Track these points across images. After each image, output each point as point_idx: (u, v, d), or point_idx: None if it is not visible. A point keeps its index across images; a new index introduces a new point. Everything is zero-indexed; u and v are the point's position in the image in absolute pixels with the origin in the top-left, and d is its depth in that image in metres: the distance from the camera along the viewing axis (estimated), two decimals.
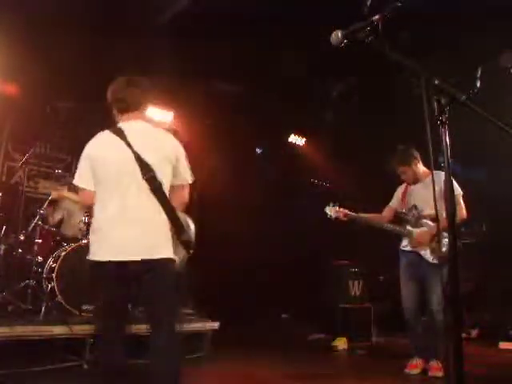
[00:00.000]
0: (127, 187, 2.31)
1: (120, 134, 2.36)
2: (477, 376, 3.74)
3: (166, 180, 2.37)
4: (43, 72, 5.07)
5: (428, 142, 1.52)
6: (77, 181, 2.45)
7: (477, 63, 1.65)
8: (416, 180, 4.20)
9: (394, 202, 4.37)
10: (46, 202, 4.67)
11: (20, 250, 4.62)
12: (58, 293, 4.08)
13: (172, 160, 2.42)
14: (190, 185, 2.54)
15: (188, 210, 2.56)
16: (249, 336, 5.54)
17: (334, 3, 4.23)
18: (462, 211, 3.92)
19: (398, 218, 4.28)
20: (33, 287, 4.36)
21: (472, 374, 3.62)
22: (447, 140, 1.48)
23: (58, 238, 4.78)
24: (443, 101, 1.48)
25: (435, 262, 3.92)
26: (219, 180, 6.31)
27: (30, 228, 4.71)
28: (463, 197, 4.01)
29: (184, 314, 4.85)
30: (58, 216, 4.96)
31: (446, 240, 3.77)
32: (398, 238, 4.25)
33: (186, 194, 2.52)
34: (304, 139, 7.81)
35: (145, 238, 2.29)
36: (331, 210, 4.35)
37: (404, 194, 4.29)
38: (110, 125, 2.52)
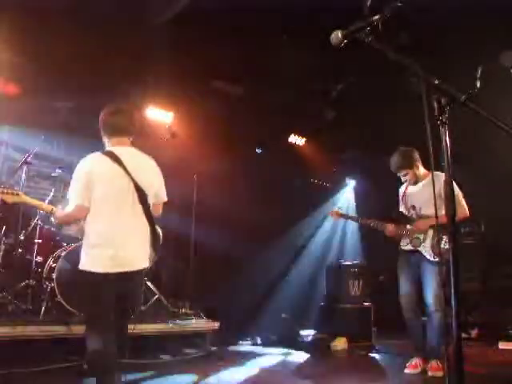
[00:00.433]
0: (124, 208, 2.68)
1: (117, 159, 2.69)
2: (477, 376, 3.74)
3: (150, 202, 2.82)
4: (43, 72, 5.07)
5: (428, 142, 1.52)
6: (73, 197, 2.66)
7: (477, 63, 1.65)
8: (417, 181, 4.20)
9: (400, 202, 4.37)
10: (46, 202, 4.67)
11: (20, 250, 4.62)
12: (57, 293, 4.08)
13: (155, 185, 2.87)
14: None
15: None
16: (249, 336, 5.54)
17: (334, 3, 4.22)
18: (463, 210, 3.91)
19: (398, 219, 4.28)
20: (33, 287, 4.36)
21: (472, 373, 3.64)
22: (447, 140, 1.48)
23: (57, 238, 4.78)
24: (443, 101, 1.48)
25: (435, 259, 3.92)
26: (219, 180, 6.30)
27: (30, 228, 4.71)
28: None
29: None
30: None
31: (445, 237, 3.81)
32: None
33: (160, 209, 2.99)
34: (304, 139, 7.81)
35: (137, 252, 2.73)
36: (332, 213, 4.65)
37: (404, 194, 4.30)
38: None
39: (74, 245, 4.34)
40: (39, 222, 4.64)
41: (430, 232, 4.02)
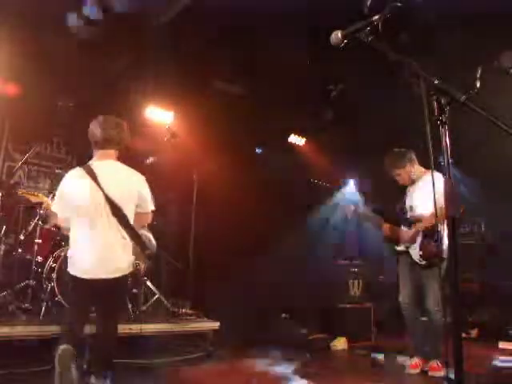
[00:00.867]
0: (99, 220, 2.86)
1: (92, 174, 2.86)
2: (477, 376, 3.74)
3: (130, 213, 2.96)
4: (43, 72, 5.07)
5: (428, 142, 1.52)
6: (55, 208, 3.00)
7: (477, 63, 1.65)
8: (413, 181, 4.22)
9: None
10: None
11: (20, 250, 4.62)
12: (57, 293, 4.08)
13: (135, 197, 2.99)
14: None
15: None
16: (249, 336, 5.53)
17: (334, 3, 4.22)
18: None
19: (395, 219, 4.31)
20: (33, 287, 4.36)
21: (472, 373, 3.63)
22: (447, 140, 1.49)
23: (57, 238, 4.78)
24: (443, 101, 1.48)
25: (422, 262, 3.94)
26: (219, 180, 6.30)
27: (29, 228, 4.71)
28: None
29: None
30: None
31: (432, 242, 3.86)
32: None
33: (148, 218, 3.18)
34: (304, 139, 7.81)
35: (113, 261, 2.91)
36: (347, 208, 4.64)
37: (406, 195, 4.32)
38: None
39: None
40: (39, 222, 4.63)
41: (420, 235, 4.03)
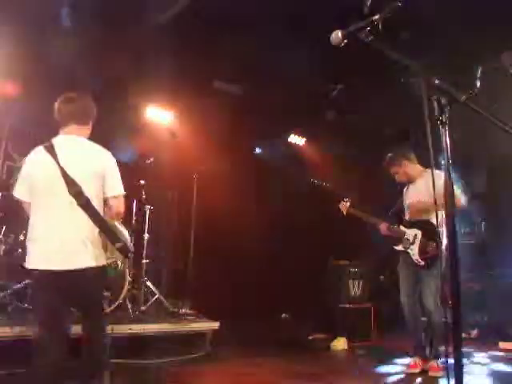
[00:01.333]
0: (57, 201, 2.52)
1: (50, 150, 2.57)
2: (476, 376, 3.74)
3: (94, 194, 2.58)
4: (43, 72, 5.06)
5: (428, 141, 1.52)
6: (16, 193, 2.69)
7: (477, 63, 1.65)
8: (411, 180, 4.23)
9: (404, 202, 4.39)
10: None
11: (20, 250, 4.62)
12: None
13: (100, 176, 2.60)
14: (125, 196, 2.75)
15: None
16: (249, 336, 5.53)
17: (334, 3, 4.22)
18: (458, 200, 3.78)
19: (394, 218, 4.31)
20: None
21: (471, 373, 3.63)
22: (447, 140, 1.49)
23: None
24: (443, 101, 1.49)
25: (421, 263, 3.95)
26: (219, 180, 6.30)
27: None
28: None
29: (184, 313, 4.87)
30: None
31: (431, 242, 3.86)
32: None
33: (119, 205, 2.70)
34: (304, 139, 7.81)
35: (73, 248, 2.51)
36: (343, 206, 4.54)
37: (404, 193, 4.33)
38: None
39: None
40: None
41: (419, 235, 4.03)
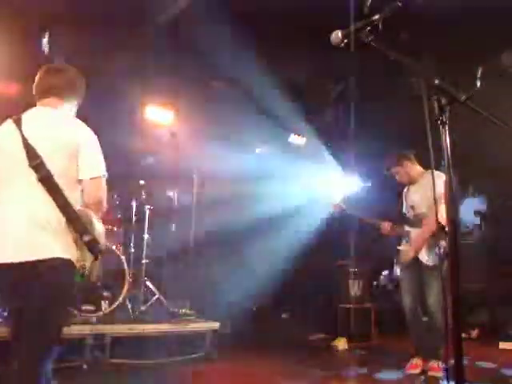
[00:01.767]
0: (16, 180, 2.07)
1: (17, 121, 2.14)
2: (477, 376, 3.74)
3: (61, 172, 2.06)
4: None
5: (428, 142, 1.52)
6: None
7: (477, 63, 1.65)
8: (411, 180, 4.23)
9: (403, 203, 4.38)
10: None
11: None
12: None
13: (72, 151, 2.08)
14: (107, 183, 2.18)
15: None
16: (249, 336, 5.54)
17: (334, 3, 4.22)
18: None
19: (397, 218, 4.30)
20: None
21: (472, 373, 3.63)
22: (447, 140, 1.48)
23: None
24: (443, 101, 1.48)
25: (430, 263, 3.94)
26: (219, 180, 6.30)
27: None
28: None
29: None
30: None
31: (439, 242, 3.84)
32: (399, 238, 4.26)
33: (97, 190, 2.12)
34: (304, 139, 7.81)
35: (29, 236, 1.96)
36: (335, 208, 4.54)
37: (405, 194, 4.32)
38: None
39: None
40: None
41: None
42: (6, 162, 2.11)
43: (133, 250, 5.01)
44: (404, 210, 4.30)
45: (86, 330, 3.79)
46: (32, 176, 2.02)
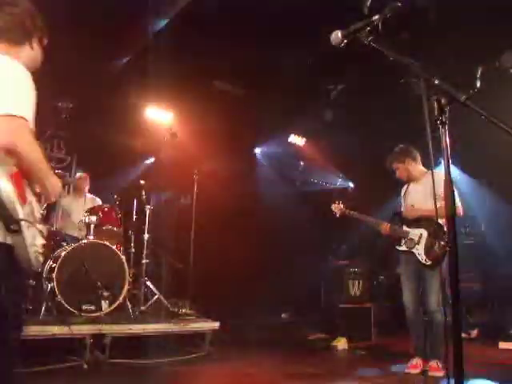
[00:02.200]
0: None
1: None
2: (477, 376, 3.73)
3: None
4: (43, 72, 5.06)
5: (428, 142, 1.52)
6: None
7: (477, 63, 1.65)
8: (411, 178, 4.22)
9: (401, 202, 4.38)
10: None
11: None
12: (57, 293, 4.08)
13: None
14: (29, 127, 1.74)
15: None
16: (249, 336, 5.54)
17: (334, 3, 4.23)
18: (458, 210, 3.86)
19: (396, 218, 4.30)
20: (33, 287, 4.35)
21: (472, 373, 3.63)
22: (447, 140, 1.48)
23: (57, 237, 4.78)
24: (443, 101, 1.48)
25: (428, 263, 3.94)
26: (219, 179, 6.30)
27: None
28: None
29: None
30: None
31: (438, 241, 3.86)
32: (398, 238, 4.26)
33: (8, 132, 1.60)
34: (304, 139, 7.81)
35: None
36: (336, 208, 4.49)
37: (405, 193, 4.32)
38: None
39: (74, 245, 4.34)
40: None
41: (425, 234, 4.02)
42: None
43: (133, 250, 5.02)
44: (403, 209, 4.30)
45: (85, 330, 3.79)
46: None
